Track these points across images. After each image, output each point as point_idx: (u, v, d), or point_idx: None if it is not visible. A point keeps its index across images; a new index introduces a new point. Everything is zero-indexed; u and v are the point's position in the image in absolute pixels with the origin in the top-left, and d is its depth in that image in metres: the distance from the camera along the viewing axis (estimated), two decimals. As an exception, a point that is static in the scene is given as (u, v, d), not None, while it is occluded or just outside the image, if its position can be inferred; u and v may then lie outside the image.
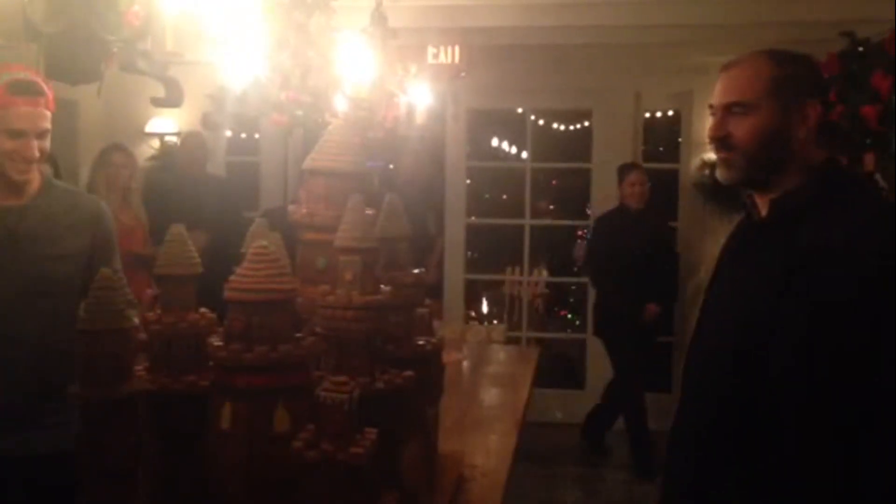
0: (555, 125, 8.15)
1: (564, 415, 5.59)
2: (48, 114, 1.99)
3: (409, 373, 1.63)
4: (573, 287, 7.40)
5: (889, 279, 1.40)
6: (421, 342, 1.88)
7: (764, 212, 1.59)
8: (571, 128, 8.31)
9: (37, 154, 1.99)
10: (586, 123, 7.94)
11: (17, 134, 1.95)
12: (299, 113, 2.34)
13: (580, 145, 7.66)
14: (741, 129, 1.53)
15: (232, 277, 1.49)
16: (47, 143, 2.01)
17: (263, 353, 1.41)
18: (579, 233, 7.23)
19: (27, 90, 1.91)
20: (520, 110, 7.12)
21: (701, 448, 1.61)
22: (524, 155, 8.61)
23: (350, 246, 1.60)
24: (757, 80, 1.52)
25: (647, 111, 5.94)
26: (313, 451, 1.31)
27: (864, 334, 1.40)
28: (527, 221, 5.97)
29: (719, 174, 1.61)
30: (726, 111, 1.55)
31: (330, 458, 1.30)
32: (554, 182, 8.97)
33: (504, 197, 8.62)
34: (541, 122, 7.52)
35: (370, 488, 1.37)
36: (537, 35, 5.20)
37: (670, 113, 6.31)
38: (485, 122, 7.03)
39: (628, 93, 5.63)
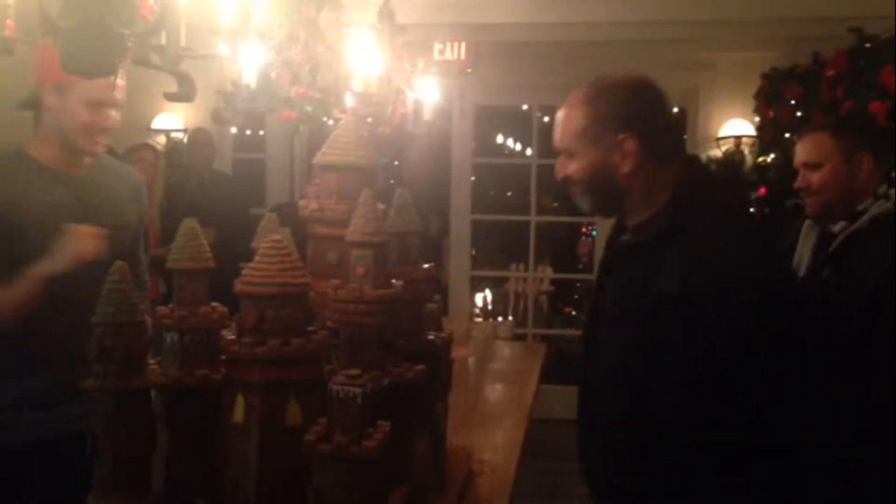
0: (548, 120, 8.16)
1: (569, 411, 5.58)
2: (122, 84, 1.99)
3: (420, 367, 1.64)
4: (578, 284, 7.41)
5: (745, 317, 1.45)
6: (431, 337, 1.89)
7: (628, 235, 1.67)
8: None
9: (118, 122, 1.99)
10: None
11: (96, 105, 1.94)
12: (308, 109, 2.35)
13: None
14: (572, 170, 1.64)
15: (244, 271, 1.49)
16: (119, 114, 2.01)
17: (276, 347, 1.42)
18: (584, 229, 7.23)
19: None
20: (525, 107, 7.13)
21: (604, 447, 1.68)
22: (528, 152, 8.63)
23: (362, 240, 1.60)
24: (570, 128, 1.62)
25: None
26: (326, 444, 1.32)
27: (736, 375, 1.45)
28: (532, 218, 5.97)
29: (581, 206, 1.71)
30: (560, 154, 1.67)
31: (342, 450, 1.31)
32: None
33: (508, 194, 8.63)
34: (546, 118, 7.52)
35: (382, 482, 1.37)
36: (543, 31, 5.20)
37: (675, 110, 6.30)
38: (490, 118, 7.04)
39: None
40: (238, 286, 1.48)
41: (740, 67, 5.18)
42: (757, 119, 4.93)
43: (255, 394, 1.43)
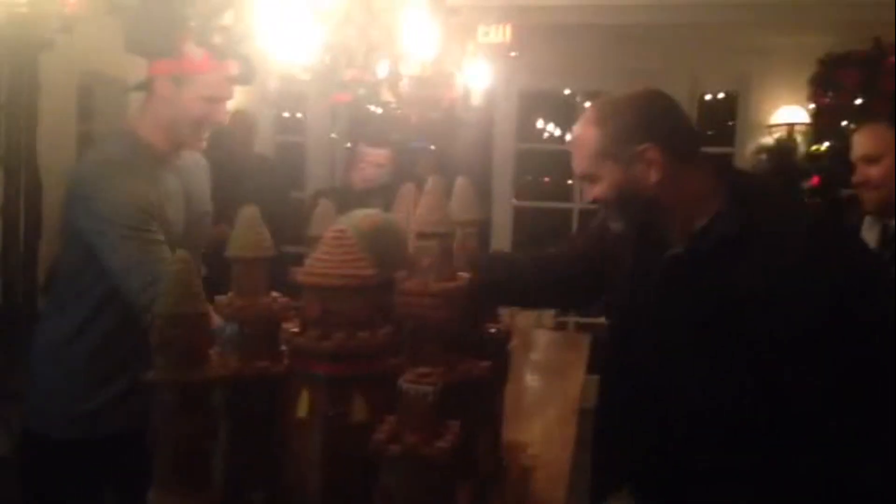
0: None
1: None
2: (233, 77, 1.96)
3: (486, 363, 1.58)
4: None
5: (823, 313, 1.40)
6: (492, 329, 1.83)
7: (678, 243, 1.57)
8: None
9: (227, 117, 1.97)
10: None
11: (212, 100, 1.92)
12: (362, 91, 2.29)
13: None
14: (598, 192, 1.58)
15: (307, 261, 1.44)
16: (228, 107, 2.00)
17: (341, 341, 1.36)
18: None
19: (226, 54, 1.85)
20: (567, 92, 7.02)
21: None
22: (568, 137, 8.52)
23: (427, 230, 1.54)
24: (586, 152, 1.57)
25: (702, 93, 5.80)
26: (396, 445, 1.26)
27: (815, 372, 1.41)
28: (576, 205, 5.88)
29: (614, 228, 1.65)
30: (583, 179, 1.62)
31: (414, 451, 1.25)
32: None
33: (546, 180, 8.52)
34: (587, 104, 7.41)
35: (450, 482, 1.32)
36: (590, 14, 5.10)
37: (721, 95, 6.17)
38: (531, 103, 6.93)
39: (684, 74, 5.49)
40: (301, 277, 1.43)
41: (795, 52, 5.02)
42: (812, 106, 4.79)
43: (321, 388, 1.38)
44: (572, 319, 5.93)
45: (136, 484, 1.95)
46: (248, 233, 1.54)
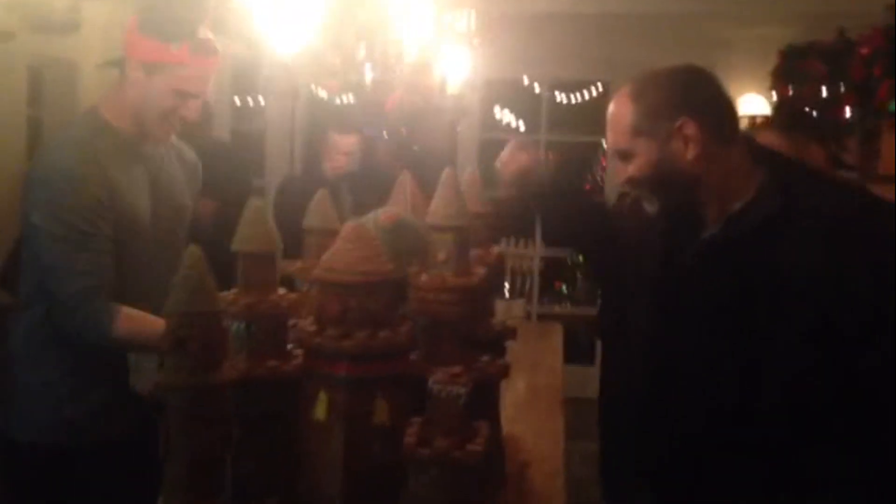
0: (558, 97, 8.03)
1: (573, 390, 5.52)
2: (214, 74, 1.87)
3: (503, 361, 1.53)
4: (570, 261, 7.33)
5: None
6: (497, 325, 1.79)
7: (713, 225, 1.54)
8: (574, 100, 8.20)
9: (198, 115, 1.87)
10: (592, 94, 7.85)
11: (185, 95, 1.81)
12: (353, 78, 2.21)
13: (584, 118, 7.56)
14: (633, 170, 1.54)
15: (324, 257, 1.38)
16: (200, 105, 1.91)
17: (364, 341, 1.30)
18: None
19: (206, 49, 1.76)
20: (526, 81, 7.00)
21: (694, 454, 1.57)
22: (521, 127, 8.49)
23: (444, 223, 1.49)
24: (621, 128, 1.53)
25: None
26: (427, 448, 1.21)
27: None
28: (539, 194, 5.85)
29: (649, 209, 1.61)
30: (616, 157, 1.58)
31: (445, 455, 1.20)
32: (550, 155, 8.88)
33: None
34: (558, 94, 7.40)
35: (482, 486, 1.27)
36: (554, 3, 5.08)
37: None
38: (493, 93, 6.89)
39: (645, 64, 5.48)
40: (319, 273, 1.36)
41: (756, 43, 5.08)
42: (774, 97, 4.84)
43: (341, 390, 1.32)
44: (534, 310, 5.93)
45: (121, 495, 1.88)
46: (256, 226, 1.46)
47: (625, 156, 1.55)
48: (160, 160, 1.97)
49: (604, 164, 7.11)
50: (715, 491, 1.52)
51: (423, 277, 1.48)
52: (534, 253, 6.69)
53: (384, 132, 6.82)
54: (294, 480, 1.38)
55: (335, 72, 2.20)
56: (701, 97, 1.50)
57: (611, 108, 1.57)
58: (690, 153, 1.48)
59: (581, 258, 7.70)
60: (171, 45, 1.73)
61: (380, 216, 1.56)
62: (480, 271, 1.54)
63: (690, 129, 1.46)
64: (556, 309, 6.93)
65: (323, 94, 2.58)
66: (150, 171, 1.95)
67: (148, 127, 1.88)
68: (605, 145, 7.89)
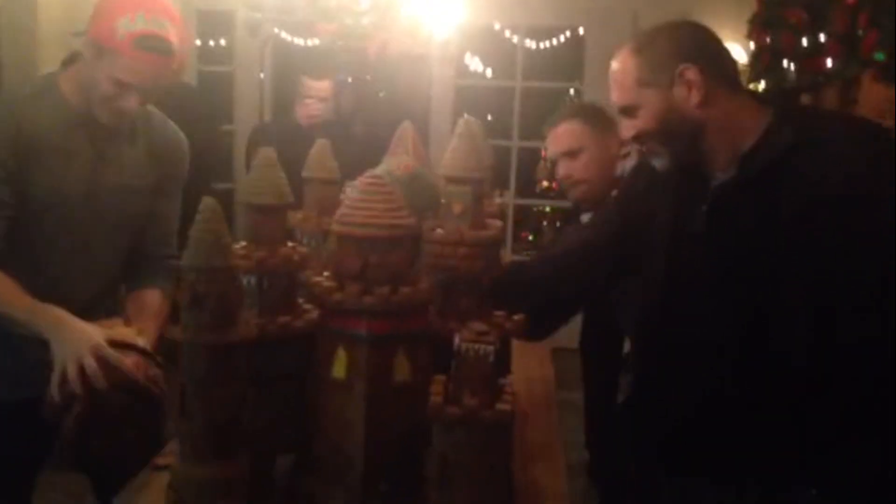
0: (527, 42, 7.90)
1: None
2: (168, 71, 1.78)
3: (520, 317, 1.50)
4: (535, 209, 7.34)
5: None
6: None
7: (723, 172, 1.53)
8: (544, 46, 8.09)
9: (135, 108, 1.78)
10: (561, 40, 7.75)
11: (122, 86, 1.73)
12: (349, 21, 2.12)
13: (554, 65, 7.46)
14: (640, 124, 1.54)
15: (342, 210, 1.32)
16: (149, 95, 1.82)
17: (386, 297, 1.26)
18: (543, 153, 7.09)
19: (154, 48, 1.70)
20: (497, 27, 6.87)
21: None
22: (489, 73, 8.37)
23: (459, 175, 1.44)
24: (626, 82, 1.54)
25: (643, 30, 5.75)
26: (455, 408, 1.18)
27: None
28: (515, 143, 5.80)
29: (657, 165, 1.60)
30: (622, 112, 1.58)
31: (475, 414, 1.18)
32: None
33: (489, 118, 8.39)
34: (514, 38, 7.27)
35: (509, 445, 1.25)
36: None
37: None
38: (462, 39, 6.74)
39: (624, 11, 5.44)
40: (336, 226, 1.31)
41: (734, -9, 5.02)
42: (751, 45, 4.81)
43: (361, 348, 1.28)
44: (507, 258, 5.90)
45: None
46: (267, 177, 1.40)
47: (631, 111, 1.55)
48: (110, 137, 1.88)
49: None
50: (730, 453, 1.52)
51: (439, 231, 1.43)
52: (510, 202, 6.67)
53: (349, 78, 6.69)
54: (311, 439, 1.35)
55: (332, 16, 2.10)
56: (700, 45, 1.52)
57: (613, 65, 1.57)
58: (694, 98, 1.49)
59: (548, 209, 7.72)
60: (118, 34, 1.70)
61: (393, 167, 1.50)
62: (496, 223, 1.50)
63: (692, 73, 1.48)
64: (526, 257, 6.91)
65: (316, 40, 2.49)
66: (96, 147, 1.86)
67: (93, 108, 1.82)
68: (571, 93, 7.81)
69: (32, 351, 1.74)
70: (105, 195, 1.89)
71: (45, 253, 1.86)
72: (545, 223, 8.07)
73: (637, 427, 1.82)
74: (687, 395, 1.57)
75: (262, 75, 5.64)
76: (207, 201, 1.22)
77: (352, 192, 2.31)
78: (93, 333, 1.63)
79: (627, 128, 1.57)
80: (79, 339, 1.61)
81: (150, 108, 1.97)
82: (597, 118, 2.38)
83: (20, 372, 1.86)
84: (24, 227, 1.81)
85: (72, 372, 1.57)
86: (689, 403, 1.57)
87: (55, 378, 1.59)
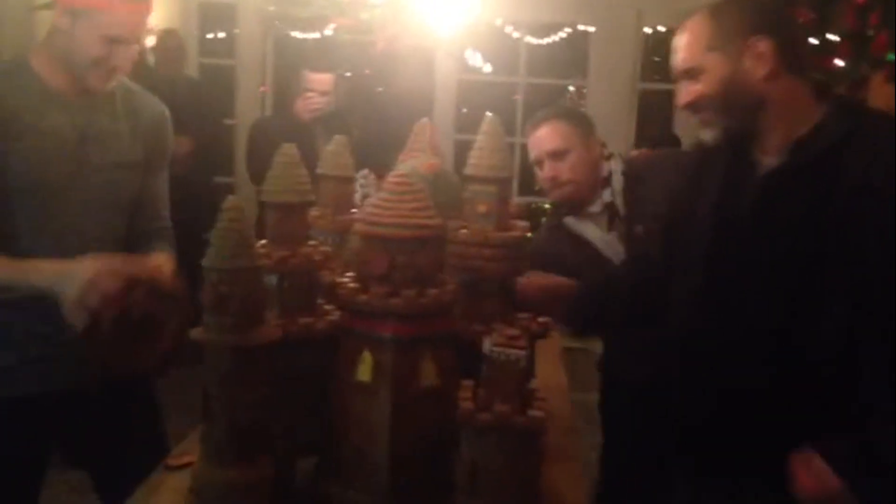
0: (528, 39, 7.86)
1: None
2: (147, 19, 1.74)
3: (544, 318, 1.47)
4: (533, 206, 7.30)
5: None
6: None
7: (771, 157, 1.51)
8: (544, 43, 8.06)
9: (128, 66, 1.73)
10: (561, 36, 7.72)
11: (113, 40, 1.69)
12: (364, 16, 2.08)
13: (553, 61, 7.43)
14: (701, 88, 1.51)
15: (368, 210, 1.29)
16: (136, 51, 1.76)
17: (413, 299, 1.23)
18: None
19: None
20: (498, 22, 6.83)
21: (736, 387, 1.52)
22: (488, 69, 8.33)
23: (485, 175, 1.41)
24: (695, 44, 1.51)
25: (647, 27, 5.72)
26: (486, 414, 1.16)
27: None
28: (517, 140, 5.77)
29: (707, 137, 1.57)
30: (683, 77, 1.54)
31: (506, 421, 1.15)
32: (516, 97, 8.75)
33: (464, 111, 8.34)
34: (515, 34, 7.23)
35: (540, 453, 1.23)
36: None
37: (663, 30, 6.11)
38: (463, 34, 6.70)
39: (628, 8, 5.41)
40: (362, 227, 1.28)
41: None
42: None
43: (387, 351, 1.25)
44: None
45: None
46: (287, 175, 1.37)
47: (694, 73, 1.52)
48: (92, 112, 1.82)
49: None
50: (754, 447, 1.48)
51: (464, 231, 1.40)
52: (515, 199, 6.65)
53: (347, 72, 6.65)
54: (335, 443, 1.32)
55: (348, 11, 2.06)
56: (778, 20, 1.49)
57: (686, 24, 1.53)
58: (760, 71, 1.46)
59: (547, 206, 7.68)
60: None
61: (417, 165, 1.47)
62: (520, 224, 1.47)
63: (764, 46, 1.45)
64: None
65: (328, 32, 2.46)
66: (77, 125, 1.80)
67: (80, 76, 1.76)
68: (571, 89, 7.77)
69: (34, 348, 1.71)
70: (92, 175, 1.82)
71: (33, 240, 1.77)
72: (544, 220, 8.04)
73: (655, 418, 1.79)
74: (714, 386, 1.54)
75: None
76: (231, 201, 1.19)
77: (363, 185, 2.30)
78: (93, 262, 1.55)
79: (687, 93, 1.54)
80: (83, 269, 1.51)
81: (129, 82, 1.91)
82: (578, 119, 2.32)
83: (22, 368, 1.82)
84: (9, 215, 1.73)
85: (91, 293, 1.47)
86: (715, 395, 1.54)
87: (71, 308, 1.48)
